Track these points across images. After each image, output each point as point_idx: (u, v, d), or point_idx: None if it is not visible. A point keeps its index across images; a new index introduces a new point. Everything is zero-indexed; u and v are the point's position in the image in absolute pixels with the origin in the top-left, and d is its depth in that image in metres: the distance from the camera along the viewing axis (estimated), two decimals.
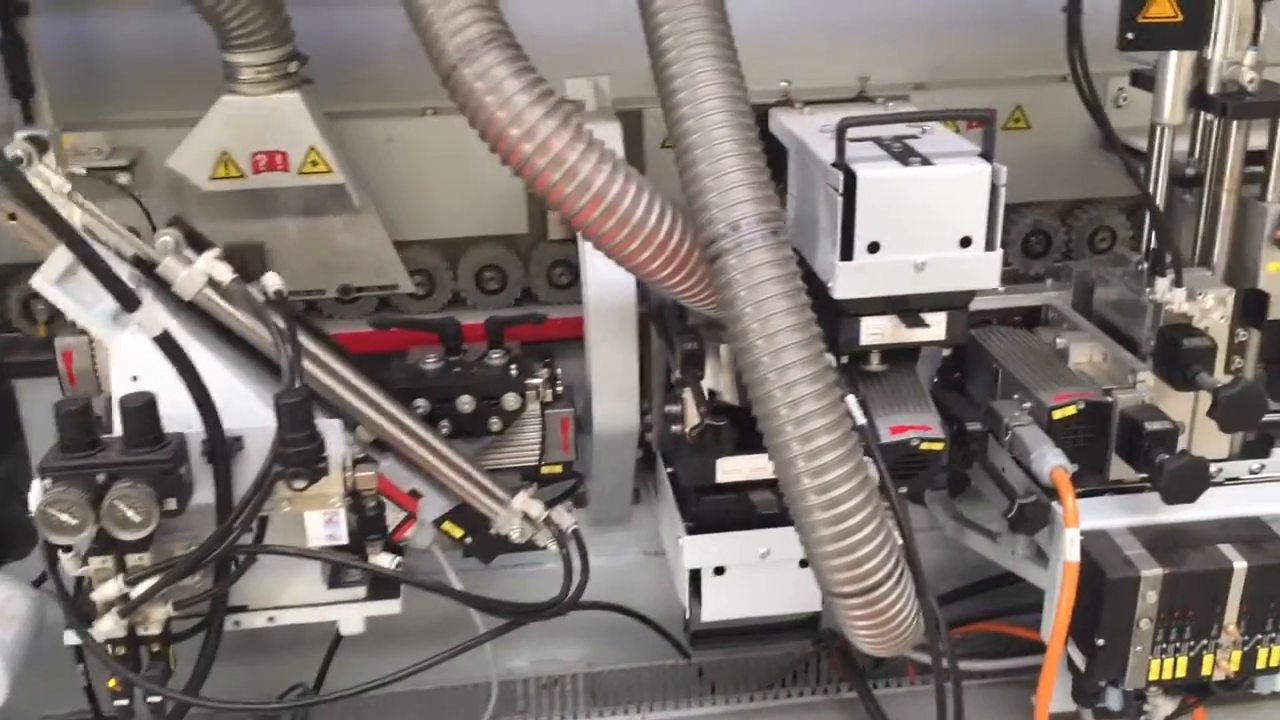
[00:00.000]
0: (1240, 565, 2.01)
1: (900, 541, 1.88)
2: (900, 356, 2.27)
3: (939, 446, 2.13)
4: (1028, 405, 2.23)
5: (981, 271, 2.06)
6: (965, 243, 2.04)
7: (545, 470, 2.43)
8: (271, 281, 2.00)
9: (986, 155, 2.04)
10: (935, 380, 2.42)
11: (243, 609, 2.12)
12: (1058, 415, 2.15)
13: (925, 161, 2.02)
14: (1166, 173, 2.22)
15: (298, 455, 1.80)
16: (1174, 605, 2.02)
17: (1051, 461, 2.06)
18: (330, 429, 1.91)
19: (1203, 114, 2.17)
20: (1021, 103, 2.65)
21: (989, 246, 2.05)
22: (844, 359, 2.18)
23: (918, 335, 2.12)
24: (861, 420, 1.95)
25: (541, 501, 2.22)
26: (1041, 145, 2.67)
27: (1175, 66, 2.11)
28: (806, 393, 1.74)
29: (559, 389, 2.41)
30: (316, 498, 1.90)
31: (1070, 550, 1.98)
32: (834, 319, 2.10)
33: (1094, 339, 2.34)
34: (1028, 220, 2.71)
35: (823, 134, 2.21)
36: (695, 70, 1.81)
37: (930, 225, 2.02)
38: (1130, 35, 2.06)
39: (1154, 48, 2.11)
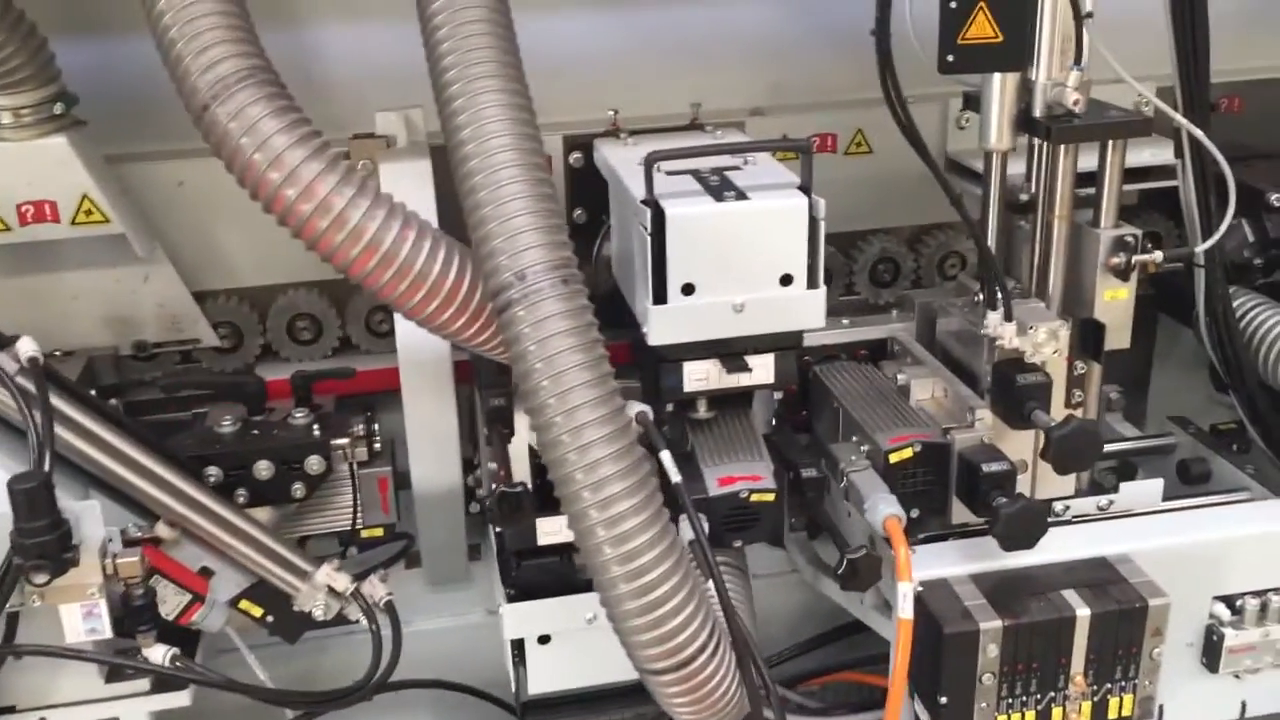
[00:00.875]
0: (1083, 613, 1.90)
1: (729, 607, 1.75)
2: (733, 401, 2.14)
3: (770, 498, 1.99)
4: (865, 448, 2.11)
5: (805, 311, 1.93)
6: (786, 281, 1.91)
7: (365, 534, 2.26)
8: (25, 347, 1.80)
9: (805, 188, 1.93)
10: (774, 422, 2.29)
11: (10, 709, 1.92)
12: (894, 459, 2.03)
13: (740, 196, 1.89)
14: (999, 199, 2.12)
15: (37, 546, 1.60)
16: (1017, 658, 1.91)
17: (884, 511, 1.93)
18: (85, 511, 1.72)
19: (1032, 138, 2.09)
20: (863, 126, 2.55)
21: (811, 284, 1.92)
22: (669, 407, 2.06)
23: (744, 380, 1.99)
24: (676, 478, 1.83)
25: (348, 575, 2.05)
26: (885, 170, 2.56)
27: (999, 89, 2.01)
28: (604, 454, 1.60)
29: (376, 446, 2.24)
30: (72, 589, 1.71)
31: (903, 607, 1.86)
32: (655, 365, 1.97)
33: (935, 374, 2.23)
34: (874, 248, 2.61)
35: (640, 167, 2.07)
36: (481, 107, 1.67)
37: (748, 264, 1.89)
38: (950, 58, 1.95)
39: (975, 70, 2.01)
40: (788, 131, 2.51)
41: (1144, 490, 2.18)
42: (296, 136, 1.63)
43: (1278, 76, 2.67)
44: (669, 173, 2.02)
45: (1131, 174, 2.30)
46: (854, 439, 2.17)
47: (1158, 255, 2.03)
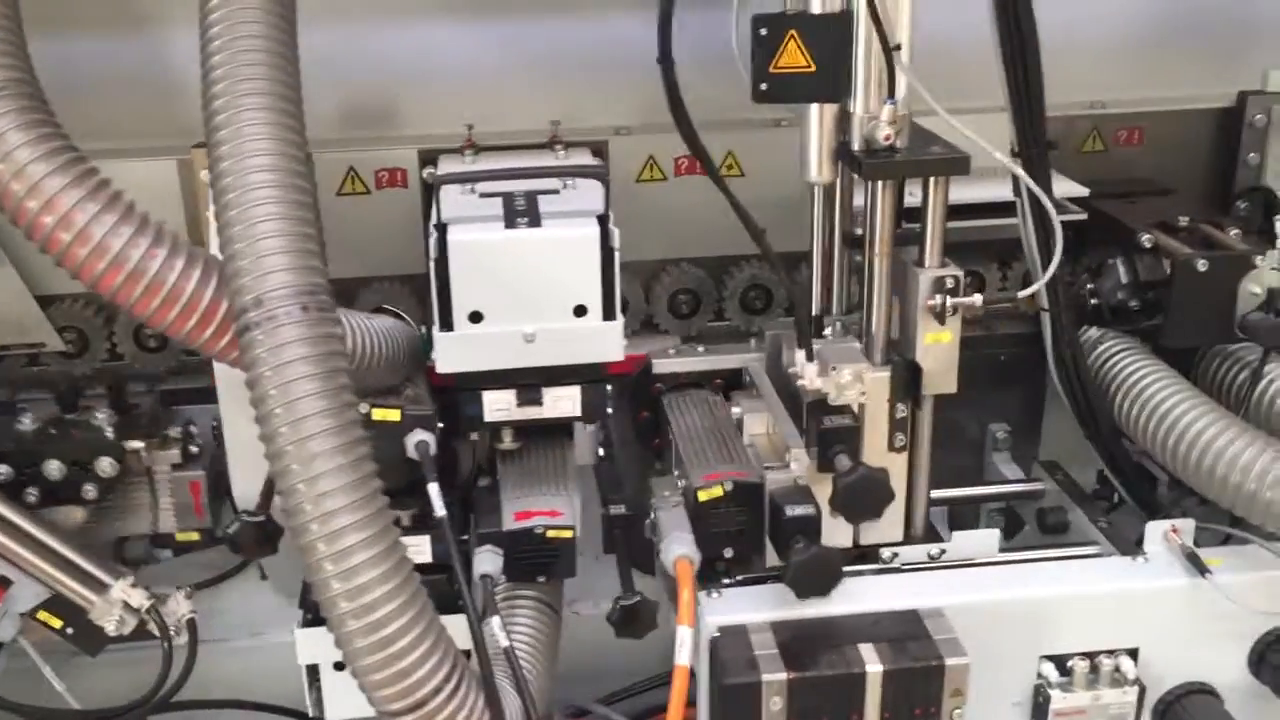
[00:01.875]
0: (875, 670, 1.81)
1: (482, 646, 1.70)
2: (549, 431, 2.08)
3: (568, 534, 1.93)
4: (682, 484, 2.04)
5: (600, 343, 1.87)
6: (580, 311, 1.85)
7: (180, 538, 2.23)
8: None
9: (602, 217, 1.86)
10: (600, 452, 2.22)
11: None
12: (703, 496, 1.95)
13: (534, 222, 1.84)
14: (823, 232, 2.04)
15: None
16: (804, 713, 1.83)
17: (675, 551, 1.87)
18: None
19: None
20: (734, 148, 2.47)
21: (607, 315, 1.86)
22: (473, 436, 2.01)
23: (548, 412, 1.94)
24: (440, 511, 1.78)
25: (144, 590, 2.02)
26: (757, 194, 2.47)
27: (817, 120, 1.93)
28: (334, 487, 1.55)
29: (193, 449, 2.22)
30: None
31: (680, 653, 1.78)
32: (455, 393, 1.93)
33: (770, 410, 2.15)
34: (745, 274, 2.53)
35: (461, 187, 2.03)
36: (243, 120, 1.62)
37: (539, 293, 1.84)
38: (764, 86, 1.87)
39: (789, 100, 1.92)
40: (654, 151, 2.44)
41: (979, 540, 2.09)
42: (43, 150, 1.60)
43: (1177, 109, 2.55)
44: (483, 194, 1.98)
45: (988, 209, 2.26)
46: (676, 473, 2.11)
47: (976, 299, 1.93)
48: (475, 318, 1.83)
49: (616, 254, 1.84)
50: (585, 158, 2.29)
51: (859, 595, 1.96)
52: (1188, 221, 2.26)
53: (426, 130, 2.43)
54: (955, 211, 2.11)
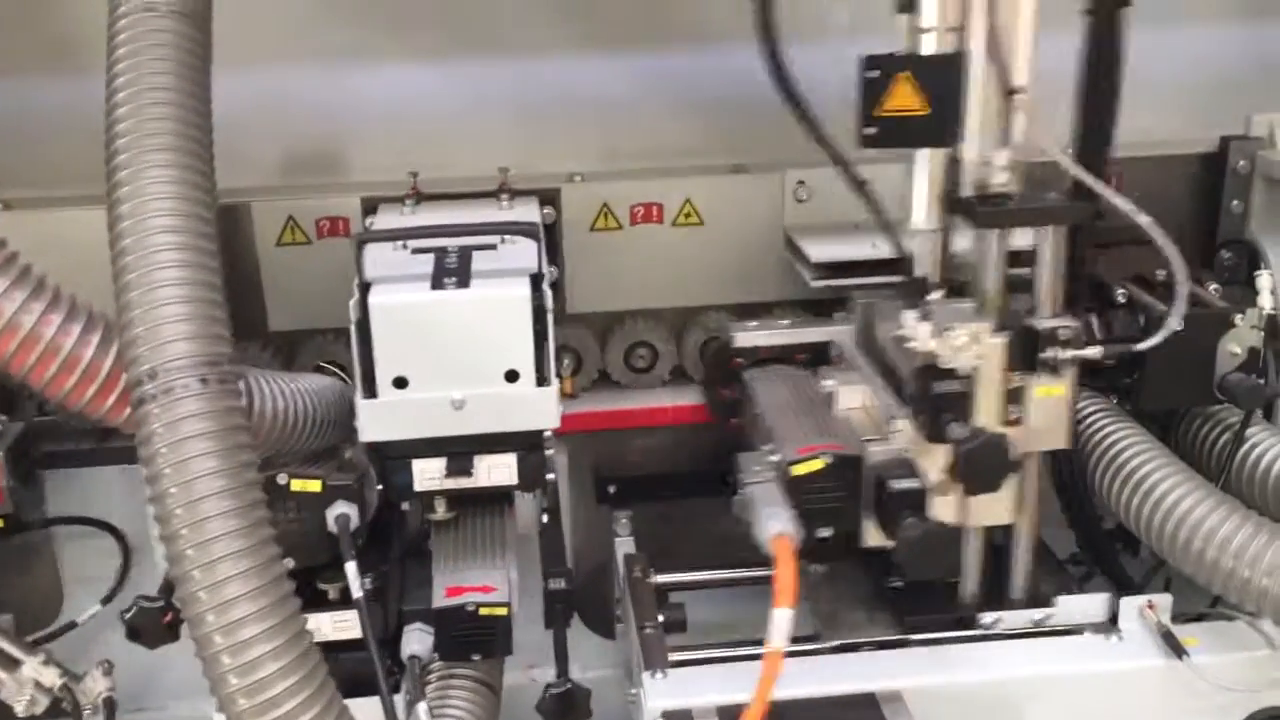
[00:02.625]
0: None
1: None
2: (486, 500, 1.98)
3: (502, 611, 1.82)
4: (775, 458, 1.91)
5: (534, 410, 1.76)
6: (511, 377, 1.75)
7: None
8: None
9: (536, 276, 1.76)
10: (545, 519, 2.09)
11: None
12: (797, 471, 1.84)
13: (461, 283, 1.73)
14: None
15: None
16: None
17: (773, 528, 1.73)
18: None
19: None
20: (692, 195, 2.37)
21: (541, 381, 1.76)
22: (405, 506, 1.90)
23: (482, 480, 1.82)
24: (357, 593, 1.67)
25: (57, 669, 1.91)
26: (718, 242, 2.39)
27: (926, 166, 1.79)
28: (233, 573, 1.44)
29: None
30: None
31: (774, 636, 1.62)
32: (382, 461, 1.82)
33: (865, 381, 2.02)
34: (707, 325, 2.42)
35: (393, 244, 1.92)
36: (147, 176, 1.53)
37: (467, 357, 1.73)
38: (871, 130, 1.73)
39: (898, 144, 1.78)
40: (608, 199, 2.35)
41: (1088, 605, 1.96)
42: None
43: (1157, 154, 2.44)
44: (415, 250, 1.88)
45: None
46: (767, 449, 1.98)
47: (1093, 351, 1.79)
48: (400, 383, 1.72)
49: (549, 315, 1.73)
50: (532, 207, 2.19)
51: (818, 676, 1.85)
52: (1165, 276, 2.15)
53: (371, 177, 2.34)
54: None
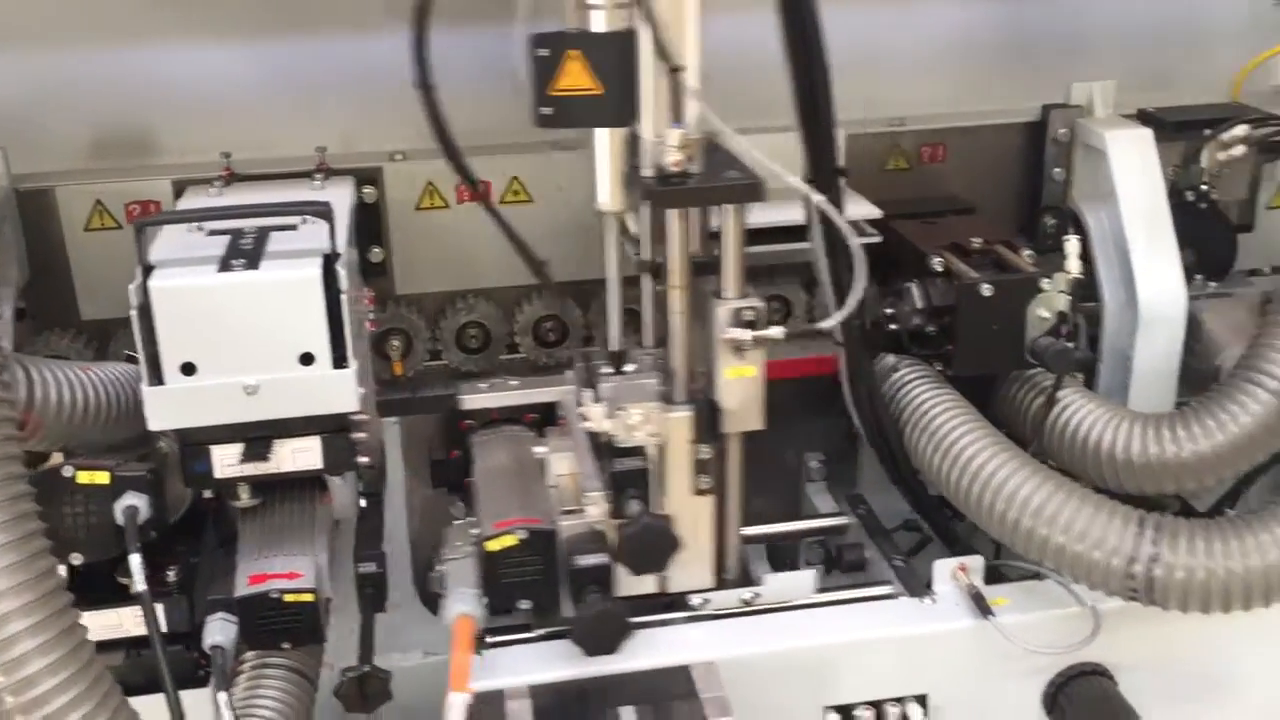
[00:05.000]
0: None
1: None
2: (300, 484, 1.93)
3: (308, 598, 1.78)
4: (475, 532, 1.89)
5: (332, 393, 1.73)
6: (306, 360, 1.71)
7: None
8: None
9: (330, 256, 1.72)
10: (362, 504, 2.06)
11: None
12: (491, 547, 1.81)
13: (250, 265, 1.69)
14: (618, 264, 1.91)
15: None
16: None
17: (456, 609, 1.74)
18: None
19: None
20: (520, 173, 2.34)
21: (338, 363, 1.72)
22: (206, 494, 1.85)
23: (286, 465, 1.79)
24: (140, 586, 1.63)
25: None
26: (548, 219, 2.36)
27: (606, 145, 1.79)
28: (6, 587, 1.39)
29: None
30: None
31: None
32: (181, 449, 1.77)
33: (575, 448, 2.00)
34: (535, 306, 2.40)
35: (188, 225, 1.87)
36: None
37: (259, 341, 1.69)
38: (546, 110, 1.73)
39: (573, 124, 1.79)
40: (433, 177, 2.31)
41: (796, 581, 1.98)
42: None
43: (980, 124, 2.47)
44: (211, 232, 1.82)
45: (796, 231, 2.14)
46: (470, 520, 1.97)
47: (776, 331, 1.80)
48: (188, 369, 1.67)
49: (344, 297, 1.69)
50: (347, 187, 2.14)
51: (638, 651, 1.85)
52: (981, 243, 2.18)
53: (186, 159, 2.27)
54: (763, 234, 2.07)
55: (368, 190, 2.24)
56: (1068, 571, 1.81)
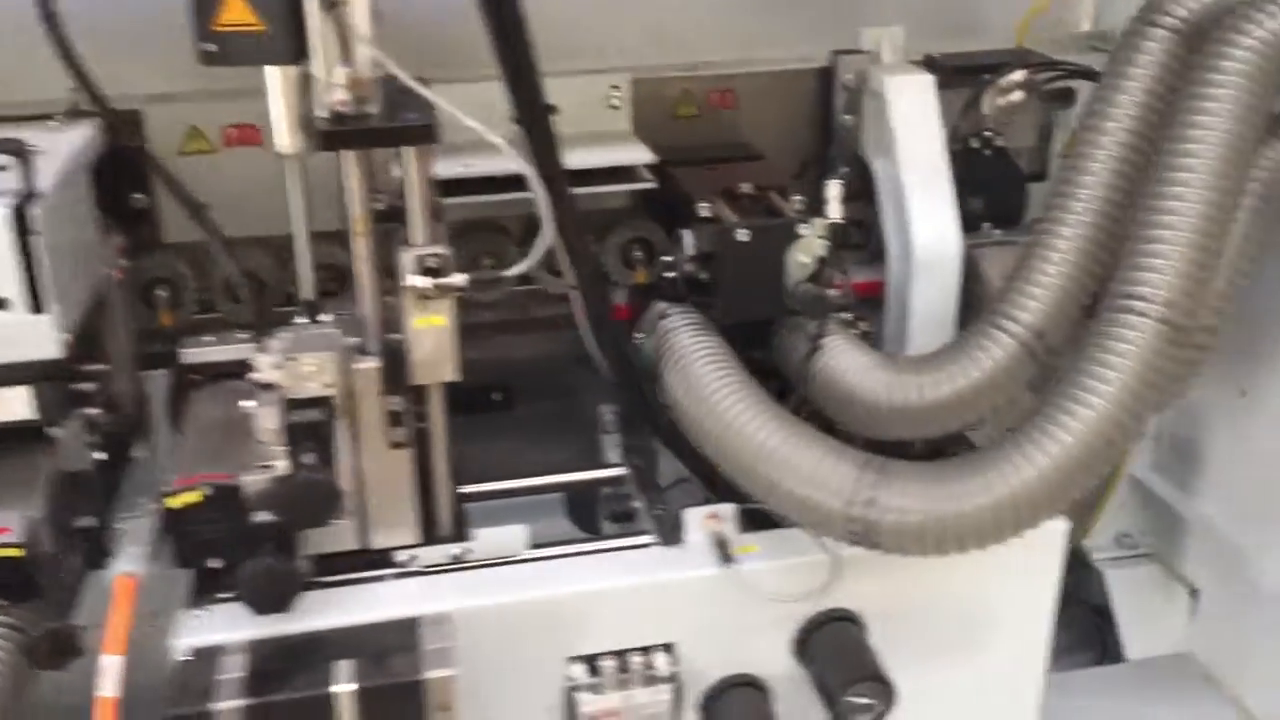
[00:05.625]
0: (347, 689, 1.65)
1: None
2: (19, 436, 1.86)
3: (17, 552, 1.72)
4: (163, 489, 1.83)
5: (27, 338, 1.66)
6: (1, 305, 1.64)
7: None
8: None
9: (26, 194, 1.65)
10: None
11: None
12: (174, 504, 1.75)
13: None
14: (303, 210, 1.85)
15: None
16: None
17: (119, 568, 1.68)
18: None
19: None
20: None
21: (35, 308, 1.65)
22: None
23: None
24: None
25: None
26: (320, 166, 2.24)
27: (279, 86, 1.72)
28: None
29: None
30: None
31: (103, 683, 1.59)
32: None
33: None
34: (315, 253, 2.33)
35: None
36: None
37: None
38: (210, 47, 1.67)
39: (241, 62, 1.70)
40: (197, 120, 2.24)
41: (505, 537, 1.95)
42: None
43: (770, 70, 2.44)
44: None
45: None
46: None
47: (458, 278, 1.77)
48: None
49: (39, 238, 1.62)
50: (86, 130, 2.06)
51: (366, 603, 1.81)
52: (751, 189, 2.16)
53: None
54: (486, 185, 2.05)
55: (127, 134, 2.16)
56: (794, 515, 1.80)
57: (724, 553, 1.89)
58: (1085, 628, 2.67)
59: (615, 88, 2.33)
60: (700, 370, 1.93)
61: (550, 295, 2.37)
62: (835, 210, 2.03)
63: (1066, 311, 1.87)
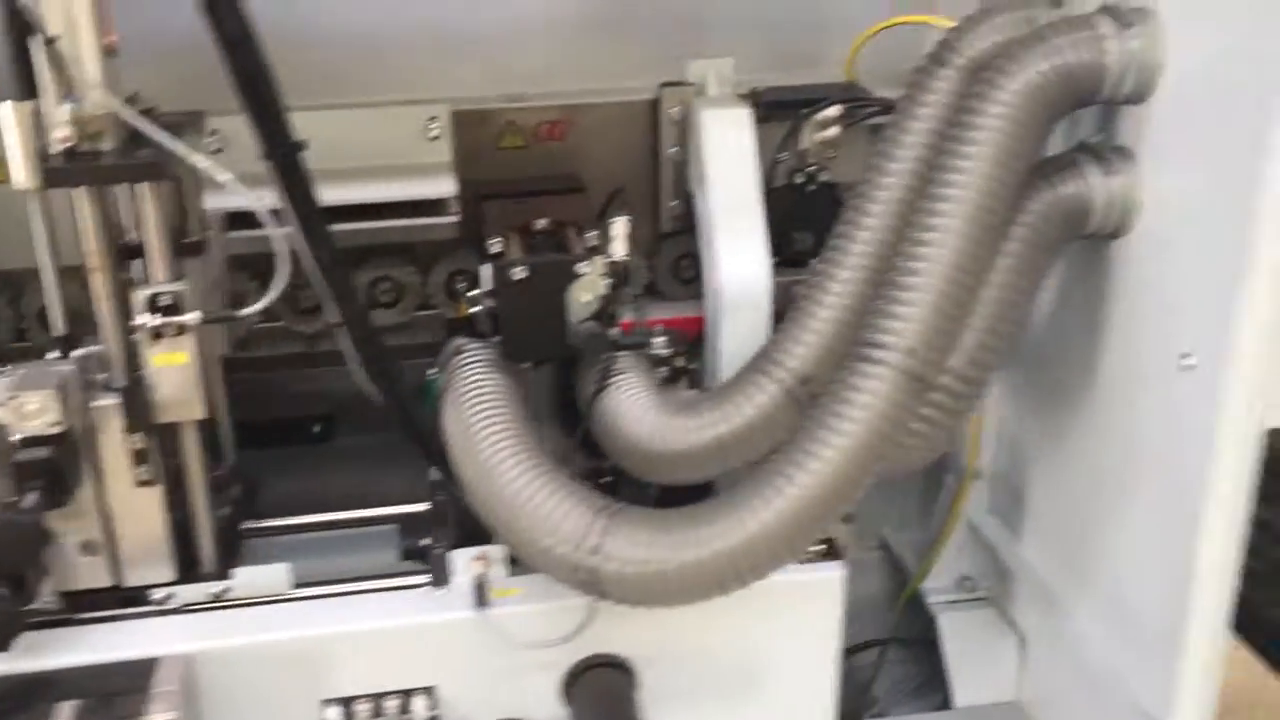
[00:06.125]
0: None
1: None
2: None
3: None
4: None
5: None
6: None
7: None
8: None
9: None
10: None
11: None
12: None
13: None
14: (46, 246, 1.82)
15: None
16: None
17: None
18: None
19: None
20: None
21: None
22: None
23: None
24: None
25: None
26: None
27: (13, 120, 1.69)
28: None
29: None
30: None
31: None
32: None
33: None
34: None
35: None
36: None
37: None
38: None
39: None
40: None
41: (267, 575, 1.93)
42: None
43: (599, 102, 2.41)
44: None
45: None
46: None
47: (189, 318, 1.74)
48: None
49: None
50: None
51: (110, 643, 1.80)
52: (546, 224, 2.13)
53: None
54: (361, 212, 2.10)
55: None
56: (531, 560, 1.76)
57: (481, 596, 1.86)
58: (936, 670, 2.63)
59: (433, 119, 2.31)
60: (466, 409, 1.90)
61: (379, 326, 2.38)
62: (620, 248, 2.00)
63: (837, 355, 1.83)
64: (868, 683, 2.68)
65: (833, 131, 2.26)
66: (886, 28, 2.26)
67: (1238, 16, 1.58)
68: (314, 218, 1.77)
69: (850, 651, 2.67)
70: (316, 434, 2.42)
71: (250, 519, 2.11)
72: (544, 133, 2.41)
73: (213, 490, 2.03)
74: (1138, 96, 1.75)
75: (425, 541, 2.09)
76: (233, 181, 1.69)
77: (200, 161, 1.68)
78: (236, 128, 2.16)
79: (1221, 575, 1.73)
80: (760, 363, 1.86)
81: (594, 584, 1.69)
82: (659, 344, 2.16)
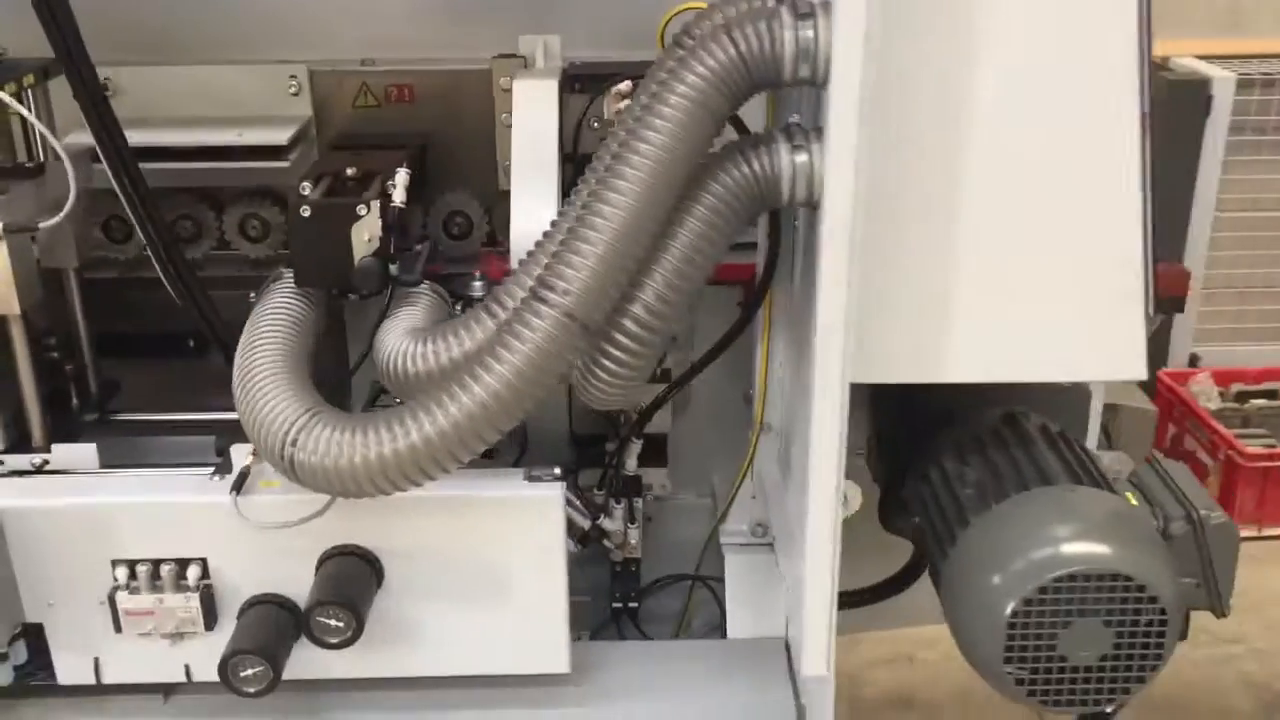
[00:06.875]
0: None
1: None
2: None
3: None
4: None
5: None
6: None
7: None
8: None
9: None
10: None
11: None
12: None
13: None
14: None
15: None
16: None
17: None
18: None
19: None
20: None
21: None
22: None
23: None
24: None
25: None
26: None
27: None
28: None
29: None
30: None
31: None
32: None
33: None
34: None
35: None
36: None
37: None
38: None
39: None
40: None
41: (79, 453, 2.31)
42: None
43: (443, 69, 2.70)
44: None
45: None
46: None
47: None
48: None
49: None
50: None
51: None
52: (356, 172, 2.42)
53: None
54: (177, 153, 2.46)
55: None
56: (259, 450, 2.07)
57: (240, 483, 2.19)
58: None
59: (293, 77, 2.64)
60: (250, 323, 2.22)
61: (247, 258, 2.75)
62: (399, 196, 2.30)
63: None
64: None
65: (628, 103, 2.49)
66: (685, 10, 2.48)
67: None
68: (123, 151, 2.13)
69: (659, 582, 2.96)
70: (191, 348, 2.77)
71: (96, 413, 2.50)
72: (395, 95, 2.71)
73: (72, 383, 2.45)
74: (820, 81, 1.95)
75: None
76: (33, 118, 2.05)
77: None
78: (130, 77, 2.60)
79: None
80: (486, 300, 2.12)
81: (293, 471, 1.99)
82: (477, 288, 2.49)
